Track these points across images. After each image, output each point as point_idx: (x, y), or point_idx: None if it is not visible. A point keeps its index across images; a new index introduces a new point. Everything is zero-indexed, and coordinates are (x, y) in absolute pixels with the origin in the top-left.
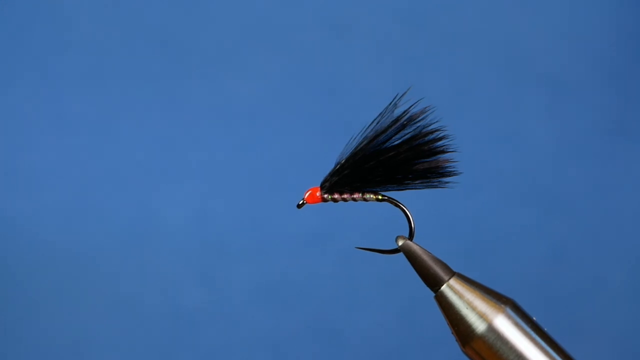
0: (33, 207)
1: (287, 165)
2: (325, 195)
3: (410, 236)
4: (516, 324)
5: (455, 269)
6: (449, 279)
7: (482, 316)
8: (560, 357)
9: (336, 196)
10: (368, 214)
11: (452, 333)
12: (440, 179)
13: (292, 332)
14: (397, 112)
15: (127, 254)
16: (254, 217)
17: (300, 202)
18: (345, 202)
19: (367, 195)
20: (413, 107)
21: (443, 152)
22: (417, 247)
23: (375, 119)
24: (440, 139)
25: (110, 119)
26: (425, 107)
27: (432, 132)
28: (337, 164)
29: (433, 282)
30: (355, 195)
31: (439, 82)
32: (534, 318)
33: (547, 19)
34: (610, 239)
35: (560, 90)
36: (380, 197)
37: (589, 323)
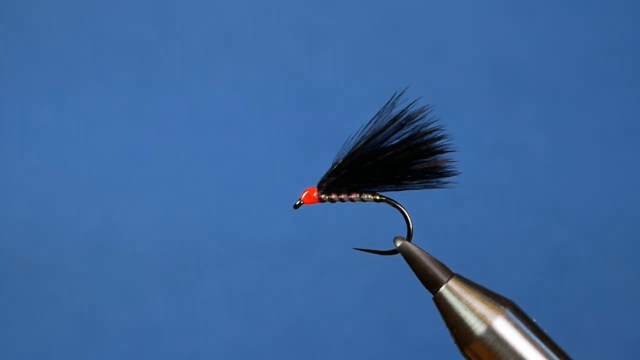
0: None
1: (260, 172)
2: (323, 196)
3: (409, 237)
4: (516, 326)
5: (455, 271)
6: (448, 280)
7: (481, 318)
8: (561, 359)
9: (333, 196)
10: (360, 217)
11: (451, 335)
12: (439, 179)
13: (267, 345)
14: (395, 111)
15: (90, 264)
16: (225, 224)
17: (297, 203)
18: (343, 203)
19: (365, 196)
20: (411, 106)
21: (442, 151)
22: (416, 248)
23: (372, 118)
24: (439, 138)
25: (76, 127)
26: (424, 106)
27: (430, 131)
28: (335, 163)
29: (432, 284)
30: (353, 196)
31: (426, 92)
32: (534, 320)
33: (538, 26)
34: (611, 245)
35: (555, 97)
36: (378, 197)
37: (591, 331)
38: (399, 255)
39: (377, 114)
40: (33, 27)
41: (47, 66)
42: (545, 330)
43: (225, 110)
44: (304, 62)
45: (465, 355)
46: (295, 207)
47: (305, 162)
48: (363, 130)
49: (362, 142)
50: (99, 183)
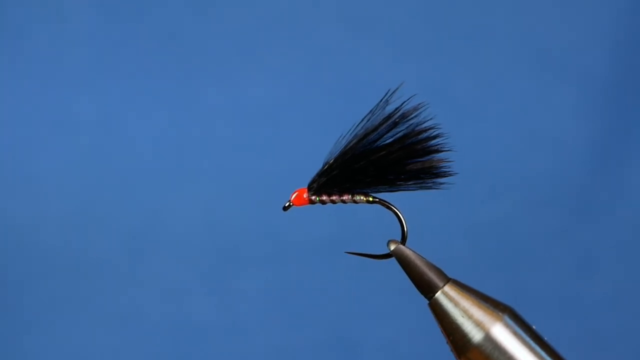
0: (34, 212)
1: (304, 168)
2: (313, 197)
3: (403, 240)
4: (515, 333)
5: (452, 275)
6: (444, 285)
7: (478, 325)
8: None
9: (324, 198)
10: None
11: (447, 343)
12: (434, 180)
13: (306, 343)
14: (389, 108)
15: (131, 262)
16: (268, 223)
17: (287, 204)
18: (334, 204)
19: (357, 197)
20: (406, 103)
21: (437, 151)
22: (410, 251)
23: (365, 116)
24: (435, 137)
25: (116, 119)
26: (419, 104)
27: (425, 130)
28: (326, 163)
29: (427, 289)
30: (345, 197)
31: (462, 79)
32: (534, 327)
33: (570, 10)
34: (636, 245)
35: (591, 86)
36: (371, 198)
37: (614, 336)
38: (393, 259)
39: (370, 111)
40: (71, 13)
41: (84, 53)
42: (546, 338)
43: (269, 102)
44: (349, 51)
45: None
46: (284, 208)
47: None
48: (355, 128)
49: (354, 141)
50: (138, 176)
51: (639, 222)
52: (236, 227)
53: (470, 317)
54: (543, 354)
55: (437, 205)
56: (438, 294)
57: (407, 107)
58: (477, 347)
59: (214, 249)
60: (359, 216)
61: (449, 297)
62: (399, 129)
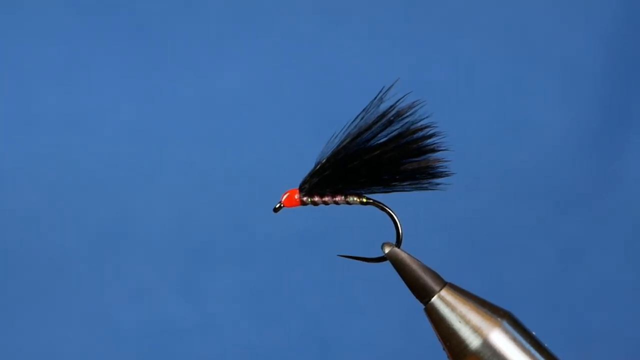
0: None
1: (278, 163)
2: (305, 198)
3: (398, 243)
4: (514, 339)
5: (450, 277)
6: (440, 289)
7: (476, 330)
8: None
9: (316, 199)
10: (362, 217)
11: (444, 349)
12: (430, 180)
13: (280, 343)
14: (383, 106)
15: (99, 261)
16: (239, 219)
17: (277, 206)
18: (327, 206)
19: (350, 198)
20: (401, 101)
21: (433, 150)
22: (405, 254)
23: (359, 115)
24: (431, 136)
25: (83, 113)
26: (414, 102)
27: (421, 128)
28: (318, 163)
29: (422, 293)
30: (337, 198)
31: (441, 67)
32: (534, 333)
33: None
34: (627, 238)
35: (577, 74)
36: (364, 200)
37: (603, 331)
38: (387, 262)
39: (364, 109)
40: (37, 4)
41: (51, 46)
42: (546, 344)
43: (244, 94)
44: (325, 40)
45: None
46: (275, 210)
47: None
48: (348, 127)
49: (347, 140)
50: (106, 172)
51: (626, 215)
52: (208, 224)
53: (467, 322)
54: None
55: (415, 198)
56: (434, 299)
57: (402, 105)
58: (475, 354)
59: (185, 247)
60: (335, 210)
61: (445, 302)
62: (393, 128)
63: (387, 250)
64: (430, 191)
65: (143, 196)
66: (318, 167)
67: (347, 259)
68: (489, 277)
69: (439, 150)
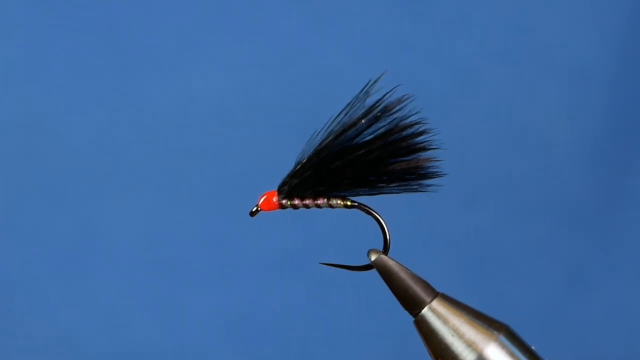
0: None
1: (259, 171)
2: (284, 201)
3: (385, 250)
4: (511, 354)
5: (442, 288)
6: (432, 300)
7: (470, 345)
8: None
9: (296, 202)
10: (346, 222)
11: None
12: (420, 182)
13: None
14: (370, 101)
15: (62, 280)
16: (216, 235)
17: (254, 209)
18: (308, 209)
19: (334, 201)
20: (388, 95)
21: (424, 149)
22: (393, 262)
23: (343, 110)
24: (421, 133)
25: (45, 117)
26: (403, 96)
27: (411, 125)
28: (298, 163)
29: (412, 305)
30: (319, 201)
31: (438, 71)
32: (533, 347)
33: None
34: (637, 257)
35: (584, 81)
36: (349, 203)
37: (611, 356)
38: (374, 271)
39: (348, 104)
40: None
41: (12, 46)
42: (546, 359)
43: (215, 99)
44: (309, 39)
45: None
46: (252, 214)
47: None
48: (331, 123)
49: (330, 138)
50: (70, 181)
51: (636, 232)
52: (183, 239)
53: (461, 336)
54: None
55: (404, 201)
56: (425, 310)
57: (389, 99)
58: None
59: (157, 264)
60: (328, 223)
61: (437, 314)
62: (380, 124)
63: (373, 257)
64: (420, 193)
65: (110, 208)
66: (298, 167)
67: (330, 267)
68: (485, 295)
69: (430, 149)
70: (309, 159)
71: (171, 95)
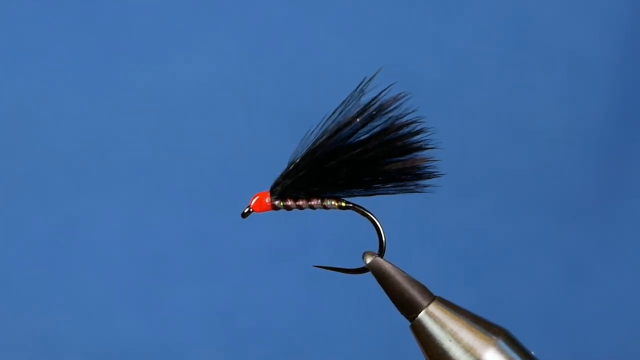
0: None
1: (246, 164)
2: (277, 202)
3: (381, 252)
4: None
5: (439, 292)
6: (428, 304)
7: (468, 350)
8: None
9: (290, 203)
10: (341, 223)
11: None
12: (417, 182)
13: None
14: (365, 99)
15: (44, 276)
16: (202, 230)
17: (246, 210)
18: (301, 211)
19: (328, 202)
20: (384, 93)
21: (420, 148)
22: (389, 265)
23: (337, 108)
24: (418, 132)
25: (26, 107)
26: (399, 94)
27: (407, 124)
28: (291, 163)
29: (409, 309)
30: (313, 202)
31: (432, 62)
32: (533, 352)
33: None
34: (637, 253)
35: (582, 70)
36: (343, 204)
37: (609, 353)
38: (369, 274)
39: (343, 102)
40: None
41: None
42: None
43: (201, 88)
44: (300, 34)
45: None
46: (244, 215)
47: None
48: (325, 122)
49: (324, 137)
50: (49, 173)
51: (637, 227)
52: (168, 234)
53: (459, 341)
54: None
55: (400, 202)
56: (421, 314)
57: (385, 97)
58: None
59: (141, 259)
60: (311, 215)
61: (434, 318)
62: (376, 123)
63: (368, 260)
64: (417, 194)
65: (91, 201)
66: (291, 167)
67: (324, 270)
68: (483, 295)
69: (427, 149)
70: (303, 158)
71: (158, 89)
